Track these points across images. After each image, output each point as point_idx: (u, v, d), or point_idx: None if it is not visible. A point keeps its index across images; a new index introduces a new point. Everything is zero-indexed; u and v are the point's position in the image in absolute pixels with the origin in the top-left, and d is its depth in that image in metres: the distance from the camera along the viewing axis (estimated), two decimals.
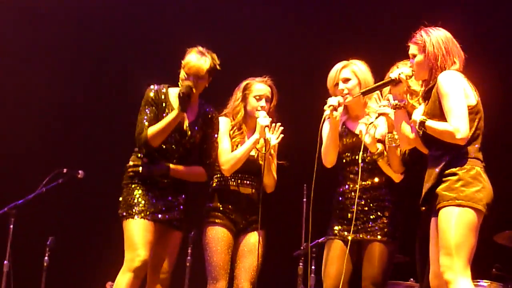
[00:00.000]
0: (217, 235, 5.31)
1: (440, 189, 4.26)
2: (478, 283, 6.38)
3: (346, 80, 5.13)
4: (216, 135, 5.27)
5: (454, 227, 4.14)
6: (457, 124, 4.21)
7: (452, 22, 4.56)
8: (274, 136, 5.33)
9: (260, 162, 5.42)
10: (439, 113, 4.32)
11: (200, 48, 5.11)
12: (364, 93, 4.86)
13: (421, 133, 4.37)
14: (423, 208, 4.42)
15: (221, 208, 5.37)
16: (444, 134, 4.25)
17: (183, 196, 5.15)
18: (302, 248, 6.70)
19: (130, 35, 8.29)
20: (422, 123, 4.33)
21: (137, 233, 4.90)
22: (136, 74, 7.27)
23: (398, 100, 4.60)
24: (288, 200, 6.92)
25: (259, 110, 5.39)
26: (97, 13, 8.25)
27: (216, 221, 5.34)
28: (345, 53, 5.28)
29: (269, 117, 5.33)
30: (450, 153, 4.29)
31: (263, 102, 5.43)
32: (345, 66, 5.16)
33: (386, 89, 4.85)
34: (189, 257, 6.68)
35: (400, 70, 4.58)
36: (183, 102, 4.97)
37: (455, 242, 4.12)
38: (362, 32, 7.73)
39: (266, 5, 8.17)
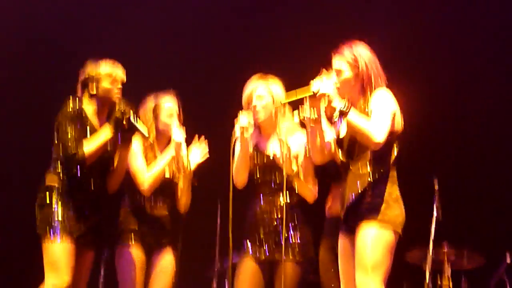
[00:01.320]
0: (130, 256, 5.24)
1: (364, 209, 4.26)
2: None
3: (260, 97, 5.09)
4: None
5: (374, 247, 4.16)
6: (379, 128, 4.18)
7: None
8: (198, 154, 5.33)
9: (175, 181, 5.38)
10: None
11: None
12: (285, 104, 4.77)
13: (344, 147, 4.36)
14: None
15: (135, 230, 5.31)
16: (363, 132, 4.18)
17: (99, 215, 5.07)
18: (216, 269, 6.67)
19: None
20: (343, 113, 4.20)
21: (61, 256, 4.79)
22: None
23: (316, 114, 4.41)
24: (201, 220, 6.88)
25: (172, 128, 5.32)
26: None
27: (129, 243, 5.27)
28: (260, 68, 5.27)
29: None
30: (375, 173, 4.29)
31: (175, 119, 5.40)
32: (261, 83, 5.11)
33: None
34: (101, 280, 6.60)
35: (321, 84, 4.29)
36: (120, 125, 4.92)
37: (373, 261, 4.14)
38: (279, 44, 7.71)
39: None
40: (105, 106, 5.08)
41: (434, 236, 5.85)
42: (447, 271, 6.28)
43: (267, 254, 4.97)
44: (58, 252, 4.80)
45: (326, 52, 4.52)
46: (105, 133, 4.94)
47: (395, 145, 4.32)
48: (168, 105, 5.44)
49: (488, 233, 7.27)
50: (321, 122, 4.46)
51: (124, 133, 4.97)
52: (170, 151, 5.29)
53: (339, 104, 4.23)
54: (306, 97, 4.37)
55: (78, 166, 4.91)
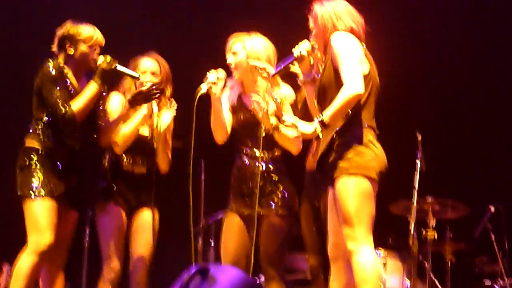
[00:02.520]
0: (110, 215, 5.22)
1: (333, 158, 4.23)
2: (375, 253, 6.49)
3: (234, 54, 5.07)
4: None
5: (351, 197, 4.13)
6: (354, 79, 4.14)
7: None
8: (169, 113, 5.28)
9: (154, 142, 5.35)
10: (334, 81, 4.27)
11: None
12: (273, 75, 4.74)
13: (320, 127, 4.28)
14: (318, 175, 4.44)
15: (114, 188, 5.29)
16: (345, 104, 4.14)
17: (79, 174, 5.05)
18: (201, 225, 6.70)
19: None
20: (322, 123, 4.19)
21: (43, 214, 4.77)
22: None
23: (306, 76, 4.56)
24: (185, 177, 6.87)
25: (145, 85, 5.22)
26: None
27: (109, 200, 5.25)
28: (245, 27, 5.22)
29: (159, 90, 5.17)
30: (343, 120, 4.24)
31: (148, 77, 5.32)
32: (237, 39, 5.09)
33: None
34: (87, 238, 6.60)
35: (300, 46, 4.51)
36: (105, 76, 4.93)
37: (353, 211, 4.13)
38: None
39: None
40: (80, 68, 5.04)
41: (418, 187, 5.86)
42: (432, 221, 6.31)
43: (250, 209, 4.96)
44: (39, 211, 4.78)
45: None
46: (91, 88, 4.93)
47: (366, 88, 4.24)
48: (144, 63, 5.38)
49: (472, 183, 7.33)
50: (314, 80, 4.53)
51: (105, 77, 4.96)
52: (142, 110, 5.25)
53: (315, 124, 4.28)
54: (293, 62, 4.59)
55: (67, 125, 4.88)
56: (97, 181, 5.37)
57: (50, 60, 4.96)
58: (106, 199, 5.24)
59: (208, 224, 6.76)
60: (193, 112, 4.82)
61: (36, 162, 4.88)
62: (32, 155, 4.90)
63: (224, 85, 5.05)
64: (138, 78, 5.17)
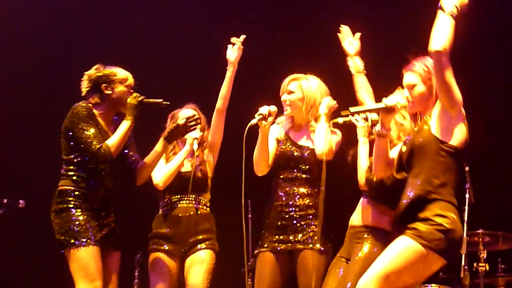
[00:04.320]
0: (158, 261, 5.32)
1: None
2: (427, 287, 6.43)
3: (290, 93, 5.18)
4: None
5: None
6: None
7: None
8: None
9: (199, 176, 5.43)
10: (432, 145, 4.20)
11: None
12: (352, 114, 4.67)
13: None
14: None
15: (163, 233, 5.33)
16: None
17: (113, 215, 5.08)
18: (249, 263, 6.68)
19: None
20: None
21: (89, 262, 4.78)
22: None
23: (384, 129, 4.42)
24: (232, 216, 6.89)
25: (181, 120, 5.23)
26: None
27: (158, 247, 5.34)
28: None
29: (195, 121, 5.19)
30: None
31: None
32: (295, 79, 5.23)
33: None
34: (136, 280, 6.62)
35: (397, 98, 4.34)
36: (136, 112, 4.95)
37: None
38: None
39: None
40: (113, 110, 5.09)
41: (468, 219, 5.81)
42: (483, 253, 6.24)
43: (286, 244, 4.97)
44: (85, 257, 4.79)
45: None
46: (125, 124, 4.96)
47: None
48: (183, 112, 5.54)
49: None
50: (388, 136, 4.45)
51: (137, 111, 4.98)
52: (185, 147, 5.42)
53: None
54: (379, 109, 4.42)
55: (99, 164, 4.92)
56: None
57: (80, 103, 5.01)
58: (154, 246, 5.37)
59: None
60: (243, 143, 4.90)
61: (73, 205, 4.87)
62: (67, 198, 4.90)
63: (274, 121, 5.16)
64: (167, 103, 5.13)
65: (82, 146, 4.89)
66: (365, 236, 4.82)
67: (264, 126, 5.02)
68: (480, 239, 6.31)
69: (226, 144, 5.59)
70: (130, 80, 5.08)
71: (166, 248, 5.32)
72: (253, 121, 4.98)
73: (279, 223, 5.04)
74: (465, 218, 5.79)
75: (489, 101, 7.55)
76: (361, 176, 4.86)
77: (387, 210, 4.78)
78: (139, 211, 6.18)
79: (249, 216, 6.66)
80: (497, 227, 6.47)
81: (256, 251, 5.19)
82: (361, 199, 5.00)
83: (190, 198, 5.40)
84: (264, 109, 5.02)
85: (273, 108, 5.07)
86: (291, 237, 4.99)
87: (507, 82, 7.51)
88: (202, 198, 5.45)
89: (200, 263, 5.29)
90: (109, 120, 5.09)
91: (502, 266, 6.73)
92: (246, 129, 4.95)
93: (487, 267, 6.20)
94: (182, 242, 5.35)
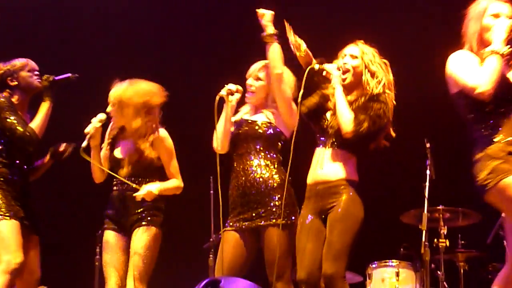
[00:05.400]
0: (107, 239, 5.27)
1: None
2: (387, 263, 6.47)
3: (258, 79, 5.13)
4: None
5: None
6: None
7: None
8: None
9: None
10: None
11: None
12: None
13: None
14: None
15: (110, 213, 5.31)
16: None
17: (31, 200, 5.21)
18: (211, 240, 6.69)
19: None
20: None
21: (12, 235, 4.93)
22: None
23: None
24: (194, 193, 6.90)
25: None
26: None
27: (107, 226, 5.29)
28: None
29: None
30: None
31: None
32: (264, 66, 5.12)
33: None
34: (97, 256, 6.61)
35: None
36: (51, 92, 5.20)
37: None
38: None
39: None
40: (27, 96, 5.28)
41: (429, 196, 5.85)
42: (443, 229, 6.30)
43: (250, 221, 4.96)
44: (8, 231, 4.93)
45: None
46: (43, 106, 5.19)
47: None
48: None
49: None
50: None
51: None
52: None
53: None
54: None
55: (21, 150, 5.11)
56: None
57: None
58: (105, 225, 5.30)
59: (219, 238, 6.75)
60: (214, 114, 4.91)
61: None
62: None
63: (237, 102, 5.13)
64: (77, 76, 5.31)
65: (8, 132, 5.07)
66: (343, 189, 4.73)
67: (230, 101, 5.04)
68: (441, 215, 6.36)
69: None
70: (30, 64, 5.27)
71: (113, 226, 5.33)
72: (222, 93, 4.99)
73: (240, 200, 5.02)
74: (426, 194, 5.83)
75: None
76: (349, 124, 4.67)
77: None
78: None
79: (211, 192, 6.67)
80: (457, 204, 6.52)
81: (221, 231, 5.15)
82: (324, 149, 4.87)
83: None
84: (232, 86, 5.05)
85: (240, 88, 5.08)
86: (254, 213, 4.97)
87: None
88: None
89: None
90: (25, 108, 5.28)
91: (462, 242, 6.80)
92: (216, 99, 4.95)
93: (447, 243, 6.24)
94: None
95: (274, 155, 5.05)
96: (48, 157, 5.41)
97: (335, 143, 4.79)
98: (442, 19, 7.41)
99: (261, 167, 5.02)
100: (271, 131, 5.05)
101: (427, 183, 5.88)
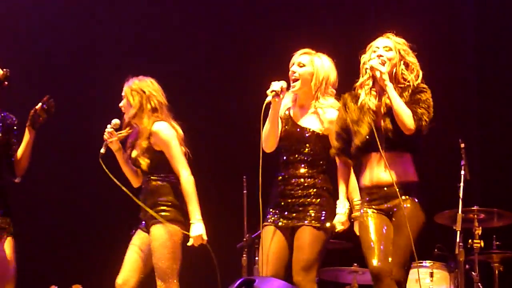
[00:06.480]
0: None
1: None
2: (421, 264, 6.45)
3: (301, 66, 5.06)
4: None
5: None
6: None
7: None
8: None
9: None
10: None
11: None
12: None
13: None
14: None
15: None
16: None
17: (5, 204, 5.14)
18: (245, 239, 6.70)
19: None
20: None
21: None
22: None
23: None
24: (228, 193, 6.90)
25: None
26: None
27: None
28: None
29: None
30: None
31: None
32: (307, 53, 5.09)
33: None
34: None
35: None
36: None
37: None
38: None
39: None
40: None
41: (464, 196, 5.81)
42: (478, 230, 6.26)
43: (287, 220, 4.97)
44: None
45: None
46: None
47: None
48: None
49: None
50: None
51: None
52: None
53: None
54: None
55: None
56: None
57: None
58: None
59: (252, 238, 6.76)
60: (261, 120, 4.88)
61: None
62: None
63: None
64: (8, 70, 5.11)
65: None
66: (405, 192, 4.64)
67: (276, 102, 4.93)
68: (475, 216, 6.31)
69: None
70: None
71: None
72: (268, 99, 4.89)
73: (282, 203, 5.02)
74: (461, 195, 5.79)
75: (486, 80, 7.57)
76: (410, 120, 4.56)
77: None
78: None
79: (244, 192, 6.67)
80: (492, 204, 6.48)
81: (261, 226, 5.16)
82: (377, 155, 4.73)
83: None
84: (276, 85, 4.90)
85: (285, 84, 4.95)
86: (293, 214, 4.97)
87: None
88: None
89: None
90: None
91: (497, 243, 6.75)
92: (263, 106, 4.88)
93: (482, 244, 6.20)
94: None
95: (321, 161, 5.04)
96: (27, 129, 5.22)
97: (389, 145, 4.67)
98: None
99: (305, 172, 5.03)
100: (318, 136, 5.02)
101: (462, 184, 5.83)
